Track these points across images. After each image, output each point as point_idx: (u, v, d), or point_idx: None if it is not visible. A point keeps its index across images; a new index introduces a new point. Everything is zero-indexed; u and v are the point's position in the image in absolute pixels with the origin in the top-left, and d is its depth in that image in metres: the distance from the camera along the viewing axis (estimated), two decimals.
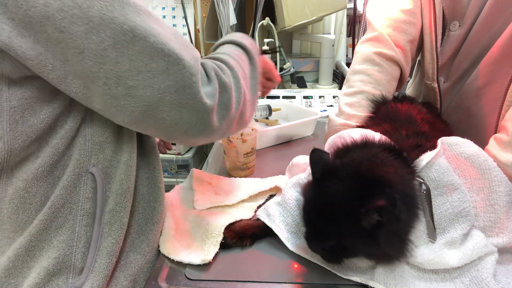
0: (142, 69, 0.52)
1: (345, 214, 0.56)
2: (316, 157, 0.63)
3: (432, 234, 0.63)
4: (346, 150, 0.67)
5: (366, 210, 0.55)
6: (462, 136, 0.71)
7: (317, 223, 0.59)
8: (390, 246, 0.58)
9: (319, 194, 0.60)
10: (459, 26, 0.88)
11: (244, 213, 0.78)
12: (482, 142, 0.72)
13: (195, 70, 0.56)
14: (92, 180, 0.61)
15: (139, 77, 0.53)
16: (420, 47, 0.98)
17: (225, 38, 0.75)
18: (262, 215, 0.74)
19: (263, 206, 0.76)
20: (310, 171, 0.64)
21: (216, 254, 0.67)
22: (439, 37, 0.90)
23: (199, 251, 0.68)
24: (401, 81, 0.98)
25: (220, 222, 0.71)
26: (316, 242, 0.61)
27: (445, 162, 0.66)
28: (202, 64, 0.61)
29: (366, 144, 0.67)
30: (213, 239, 0.69)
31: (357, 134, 0.70)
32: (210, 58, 0.67)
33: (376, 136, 0.69)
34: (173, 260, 0.67)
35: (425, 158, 0.66)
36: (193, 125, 0.58)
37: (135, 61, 0.52)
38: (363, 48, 0.96)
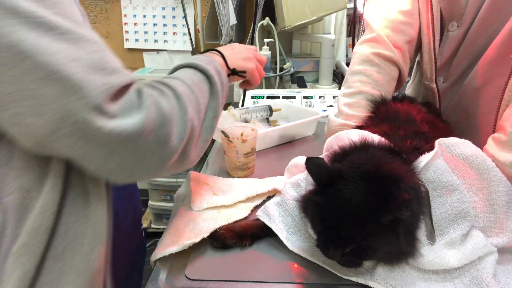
0: (28, 94, 0.43)
1: (367, 214, 0.56)
2: (315, 164, 0.62)
3: (431, 236, 0.63)
4: (344, 153, 0.67)
5: (395, 206, 0.54)
6: (461, 136, 0.71)
7: (337, 229, 0.58)
8: (406, 242, 0.59)
9: (332, 199, 0.59)
10: (458, 26, 0.88)
11: (240, 213, 0.78)
12: (480, 142, 0.73)
13: (101, 99, 0.46)
14: (3, 212, 0.50)
15: (25, 104, 0.44)
16: (418, 48, 0.99)
17: (188, 60, 0.66)
18: (261, 215, 0.74)
19: (262, 206, 0.77)
20: (311, 180, 0.63)
21: (216, 254, 0.67)
22: (437, 37, 0.91)
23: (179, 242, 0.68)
24: (400, 82, 0.98)
25: (211, 225, 0.72)
26: (336, 248, 0.59)
27: (443, 163, 0.66)
28: (139, 90, 0.52)
29: (364, 146, 0.67)
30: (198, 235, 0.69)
31: (356, 136, 0.70)
32: (157, 82, 0.57)
33: (374, 138, 0.69)
34: (173, 260, 0.68)
35: (423, 159, 0.66)
36: (105, 161, 0.49)
37: (20, 84, 0.43)
38: (362, 49, 0.96)
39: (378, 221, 0.55)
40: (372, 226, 0.56)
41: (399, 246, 0.58)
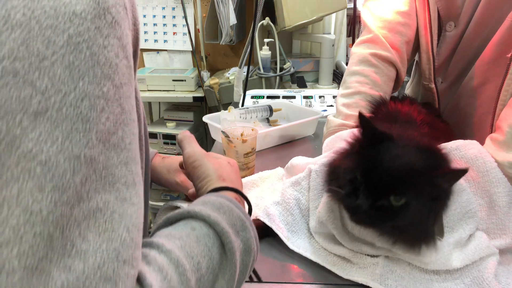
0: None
1: (417, 173, 0.56)
2: (367, 122, 0.61)
3: (441, 231, 0.63)
4: None
5: (452, 172, 0.57)
6: (461, 137, 0.72)
7: (378, 178, 0.56)
8: (435, 221, 0.60)
9: (380, 153, 0.58)
10: (455, 26, 0.88)
11: None
12: (479, 142, 0.73)
13: None
14: None
15: None
16: (416, 48, 0.99)
17: (193, 205, 0.46)
18: (261, 215, 0.74)
19: (263, 207, 0.77)
20: (359, 135, 0.63)
21: None
22: (435, 37, 0.91)
23: None
24: (398, 82, 0.99)
25: None
26: (367, 198, 0.57)
27: None
28: None
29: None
30: None
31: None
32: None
33: None
34: None
35: None
36: None
37: None
38: (359, 49, 0.96)
39: (425, 183, 0.55)
40: (416, 185, 0.55)
41: (427, 221, 0.58)
